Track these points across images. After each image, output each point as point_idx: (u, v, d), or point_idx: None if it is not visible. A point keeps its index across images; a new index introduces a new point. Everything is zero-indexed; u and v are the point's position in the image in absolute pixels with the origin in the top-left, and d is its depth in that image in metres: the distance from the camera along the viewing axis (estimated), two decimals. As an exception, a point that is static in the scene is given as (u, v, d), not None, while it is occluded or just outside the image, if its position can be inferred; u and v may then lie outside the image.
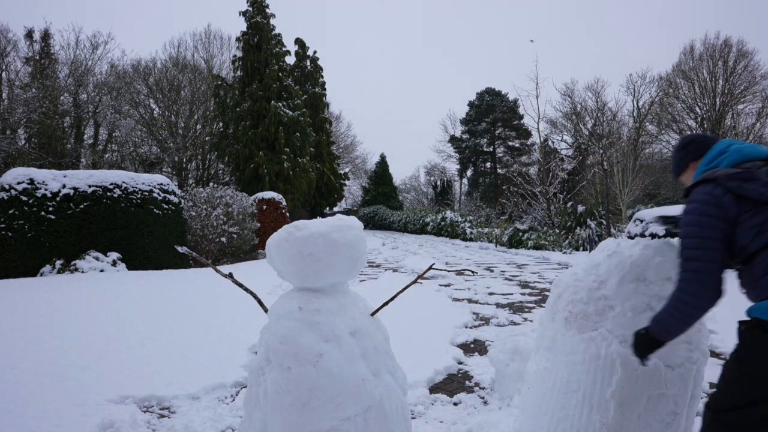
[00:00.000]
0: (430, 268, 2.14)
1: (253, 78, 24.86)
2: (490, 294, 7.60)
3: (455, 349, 4.47)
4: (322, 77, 32.64)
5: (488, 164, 44.78)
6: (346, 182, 34.86)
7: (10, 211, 8.65)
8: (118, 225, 9.48)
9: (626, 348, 1.89)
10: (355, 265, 1.81)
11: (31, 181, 8.98)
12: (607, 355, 1.91)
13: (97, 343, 4.33)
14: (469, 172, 45.84)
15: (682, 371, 1.90)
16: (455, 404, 3.27)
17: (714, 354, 4.22)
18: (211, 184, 16.64)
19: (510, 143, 43.88)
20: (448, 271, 2.03)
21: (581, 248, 15.95)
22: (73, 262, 8.72)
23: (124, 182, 9.79)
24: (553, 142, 32.55)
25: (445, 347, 4.53)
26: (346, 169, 38.31)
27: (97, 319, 5.16)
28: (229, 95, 25.70)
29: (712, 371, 2.16)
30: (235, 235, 12.04)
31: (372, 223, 36.60)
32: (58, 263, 8.66)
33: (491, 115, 43.05)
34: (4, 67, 23.35)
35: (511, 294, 7.63)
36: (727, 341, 4.45)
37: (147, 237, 9.79)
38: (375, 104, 74.80)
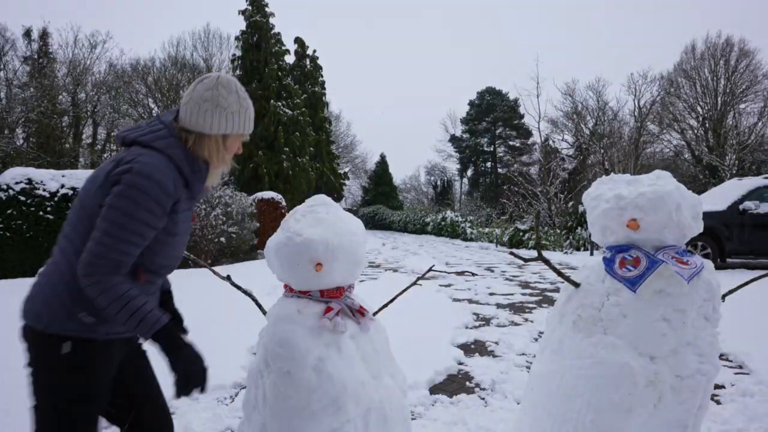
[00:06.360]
0: (430, 269, 2.11)
1: (252, 77, 24.83)
2: (491, 294, 7.57)
3: (456, 350, 4.44)
4: (322, 76, 32.59)
5: (489, 164, 44.80)
6: (346, 182, 34.81)
7: (8, 211, 8.62)
8: (117, 225, 9.45)
9: (635, 356, 1.86)
10: (354, 268, 1.79)
11: (30, 181, 8.95)
12: (615, 361, 1.88)
13: (95, 344, 4.29)
14: (469, 172, 45.84)
15: (691, 382, 1.86)
16: (455, 405, 3.25)
17: (720, 356, 4.19)
18: (210, 183, 16.64)
19: (511, 143, 43.88)
20: (448, 272, 2.01)
21: (582, 248, 15.92)
22: (71, 262, 8.69)
23: (123, 182, 9.75)
24: (553, 142, 32.47)
25: (446, 348, 4.50)
26: (346, 169, 38.25)
27: (96, 320, 5.12)
28: (228, 95, 25.66)
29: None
30: (234, 235, 12.01)
31: (372, 223, 36.54)
32: (57, 263, 8.64)
33: (492, 114, 43.04)
34: (2, 66, 23.34)
35: (512, 294, 7.60)
36: (729, 342, 4.42)
37: (146, 237, 9.76)
38: (375, 103, 74.77)
